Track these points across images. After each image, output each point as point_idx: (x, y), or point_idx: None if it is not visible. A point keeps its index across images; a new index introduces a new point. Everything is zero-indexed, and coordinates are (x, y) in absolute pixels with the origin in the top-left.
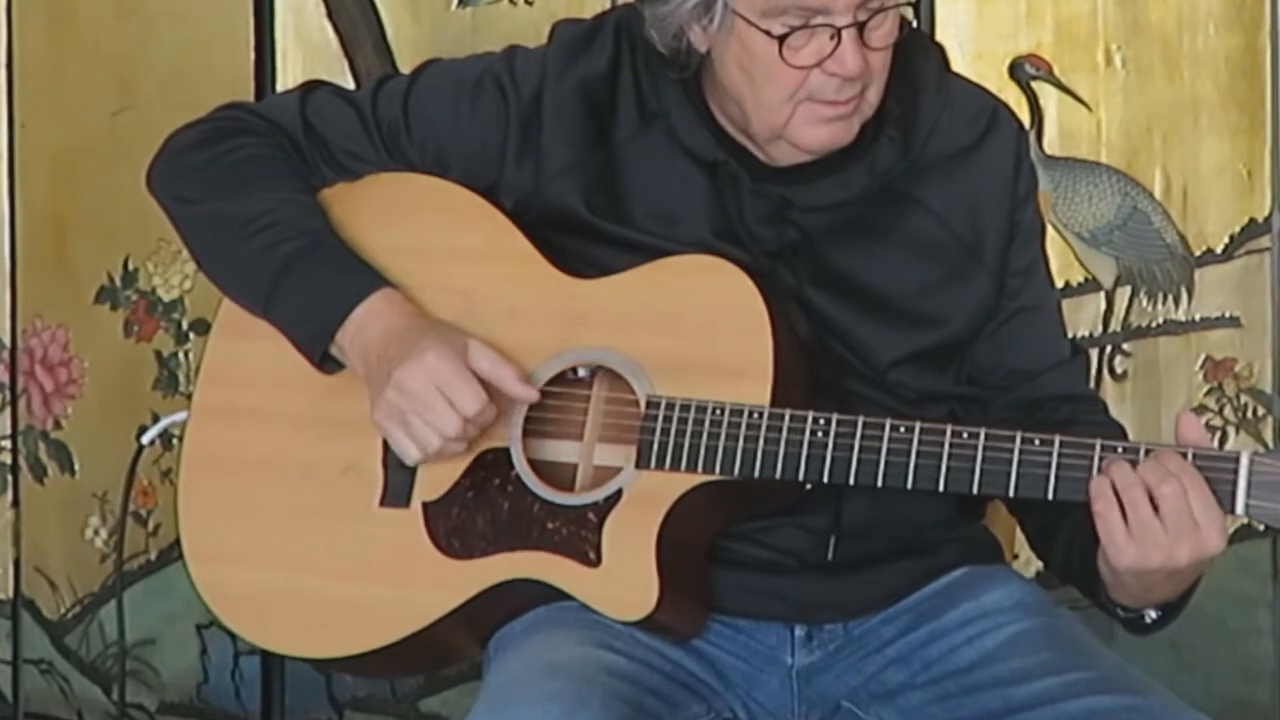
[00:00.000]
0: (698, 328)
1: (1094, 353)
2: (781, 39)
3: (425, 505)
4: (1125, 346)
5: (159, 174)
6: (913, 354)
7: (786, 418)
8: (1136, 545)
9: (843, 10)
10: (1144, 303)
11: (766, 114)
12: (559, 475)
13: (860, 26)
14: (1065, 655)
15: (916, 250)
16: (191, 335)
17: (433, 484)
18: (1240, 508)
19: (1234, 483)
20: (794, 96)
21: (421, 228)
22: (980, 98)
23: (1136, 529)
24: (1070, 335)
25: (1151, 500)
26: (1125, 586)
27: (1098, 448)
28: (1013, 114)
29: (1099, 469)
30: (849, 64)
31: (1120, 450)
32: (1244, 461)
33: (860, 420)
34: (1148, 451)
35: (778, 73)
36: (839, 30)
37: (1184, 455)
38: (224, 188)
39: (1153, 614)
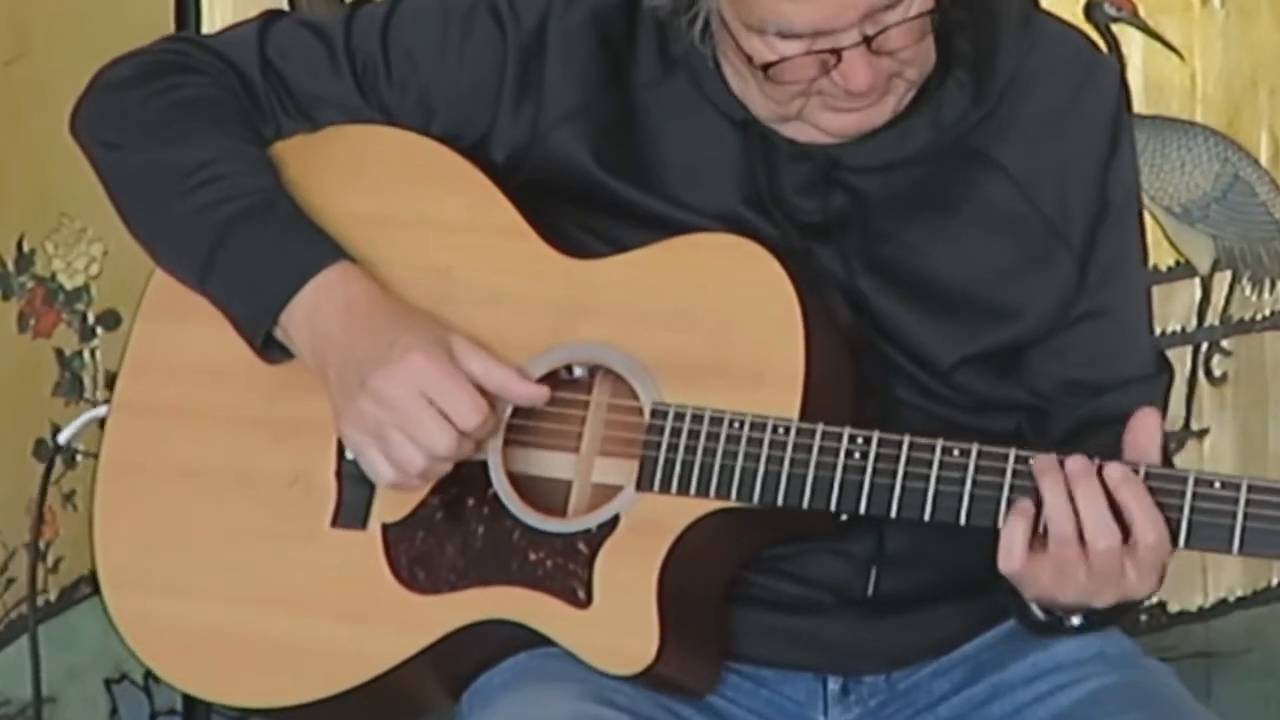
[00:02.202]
0: (715, 321)
1: (1187, 351)
2: (766, 68)
3: (385, 527)
4: (1224, 343)
5: (85, 114)
6: (980, 354)
7: (818, 435)
8: (1053, 577)
9: (844, 28)
10: (1247, 291)
11: (773, 108)
12: (550, 493)
13: (868, 39)
14: (1156, 716)
15: (991, 224)
16: (99, 330)
17: (395, 502)
18: (1182, 542)
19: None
20: (803, 93)
21: (391, 191)
22: (1075, 42)
23: (1058, 569)
24: (1157, 344)
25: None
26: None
27: (1011, 458)
28: (1115, 65)
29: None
30: (857, 81)
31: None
32: (1189, 492)
33: (906, 440)
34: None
35: (775, 87)
36: (839, 51)
37: (1135, 471)
38: (159, 133)
39: (1075, 620)
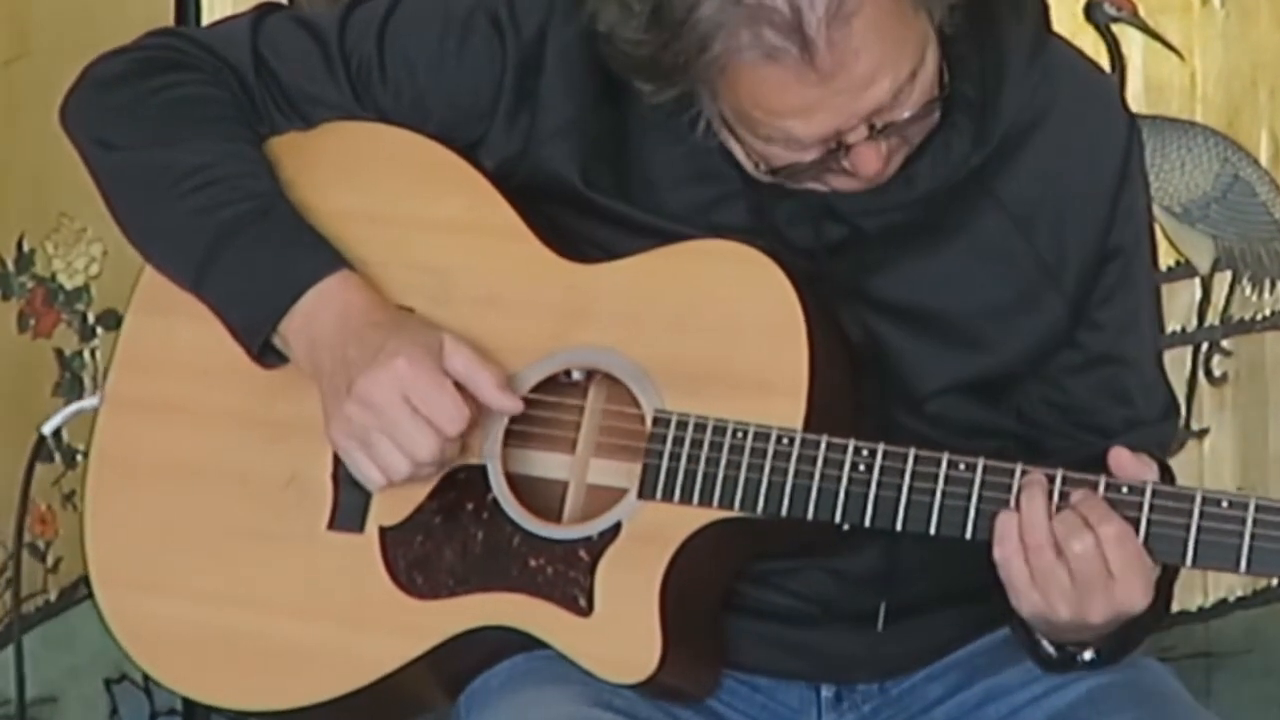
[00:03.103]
0: (718, 328)
1: (1187, 351)
2: (775, 170)
3: (383, 531)
4: (1225, 344)
5: (76, 108)
6: (960, 384)
7: (822, 446)
8: (1040, 591)
9: (852, 129)
10: (1247, 290)
11: (779, 181)
12: (546, 494)
13: (874, 129)
14: (1154, 715)
15: (982, 257)
16: (99, 330)
17: (392, 506)
18: (1189, 561)
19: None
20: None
21: (387, 190)
22: (1086, 74)
23: (1040, 575)
24: (1168, 388)
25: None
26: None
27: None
28: (1127, 110)
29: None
30: (867, 170)
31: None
32: (1196, 511)
33: (911, 453)
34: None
35: (786, 177)
36: (848, 146)
37: (1137, 490)
38: (155, 133)
39: (1087, 655)
